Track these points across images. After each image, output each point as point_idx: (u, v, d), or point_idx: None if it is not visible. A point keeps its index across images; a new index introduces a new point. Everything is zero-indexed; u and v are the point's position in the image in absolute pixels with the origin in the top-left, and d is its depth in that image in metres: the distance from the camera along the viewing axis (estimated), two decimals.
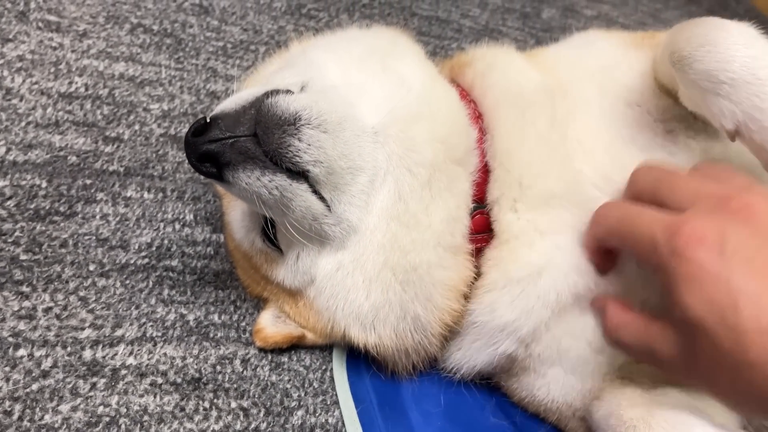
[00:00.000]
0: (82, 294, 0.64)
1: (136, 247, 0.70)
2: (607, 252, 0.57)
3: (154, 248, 0.71)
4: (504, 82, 0.66)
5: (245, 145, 0.52)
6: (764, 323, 0.40)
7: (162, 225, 0.73)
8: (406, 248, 0.58)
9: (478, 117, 0.65)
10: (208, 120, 0.52)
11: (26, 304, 0.61)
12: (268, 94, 0.54)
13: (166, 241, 0.72)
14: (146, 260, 0.69)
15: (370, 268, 0.59)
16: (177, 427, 0.58)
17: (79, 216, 0.70)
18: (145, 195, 0.75)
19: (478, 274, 0.61)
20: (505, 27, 1.44)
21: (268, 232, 0.62)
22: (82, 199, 0.71)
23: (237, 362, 0.65)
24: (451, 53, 1.26)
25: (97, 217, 0.70)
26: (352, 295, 0.60)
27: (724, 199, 0.47)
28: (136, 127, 0.81)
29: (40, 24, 0.87)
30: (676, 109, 0.61)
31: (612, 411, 0.57)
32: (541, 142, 0.62)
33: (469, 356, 0.64)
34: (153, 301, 0.66)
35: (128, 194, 0.74)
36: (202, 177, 0.64)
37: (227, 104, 0.54)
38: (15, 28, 0.85)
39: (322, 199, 0.56)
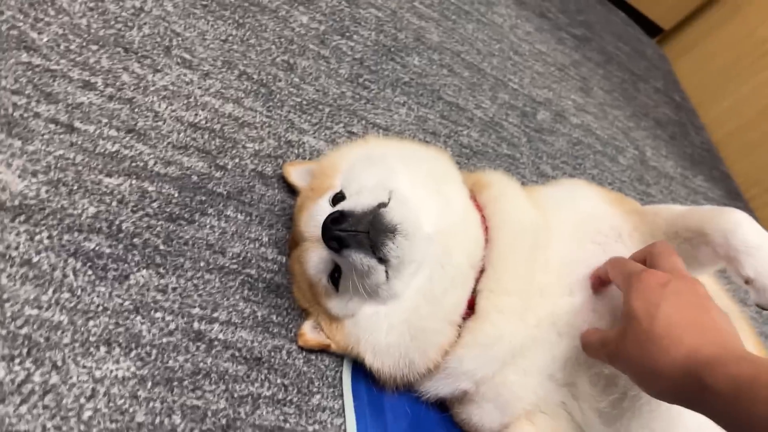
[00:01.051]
0: (195, 282, 0.94)
1: (230, 255, 1.00)
2: (602, 282, 0.90)
3: (240, 258, 1.01)
4: (508, 210, 0.99)
5: (362, 239, 0.83)
6: (670, 318, 0.71)
7: (247, 241, 1.04)
8: (423, 316, 0.90)
9: (486, 228, 0.98)
10: (342, 212, 0.83)
11: (162, 281, 0.91)
12: (379, 206, 0.85)
13: (248, 254, 1.02)
14: (235, 266, 1.00)
15: (395, 320, 0.92)
16: (244, 388, 0.89)
17: (196, 224, 0.99)
18: (239, 216, 1.05)
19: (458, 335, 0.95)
20: (507, 122, 1.78)
21: (335, 277, 0.94)
22: (198, 211, 1.01)
23: (284, 352, 0.97)
24: (462, 139, 1.59)
25: (207, 227, 1.00)
26: (376, 333, 0.93)
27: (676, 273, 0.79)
28: (237, 160, 1.11)
29: (178, 60, 1.16)
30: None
31: None
32: (520, 258, 0.95)
33: (437, 387, 0.97)
34: (237, 297, 0.97)
35: (228, 213, 1.04)
36: (276, 209, 0.96)
37: (354, 206, 0.85)
38: (162, 60, 1.13)
39: (386, 273, 0.88)
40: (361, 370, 0.99)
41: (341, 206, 0.87)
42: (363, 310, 0.94)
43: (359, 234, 0.84)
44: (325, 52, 1.44)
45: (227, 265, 0.99)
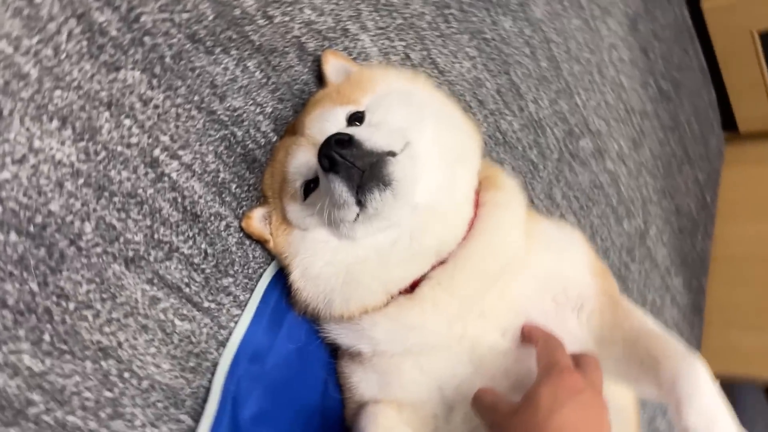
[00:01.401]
0: (179, 111, 0.88)
1: (227, 105, 0.94)
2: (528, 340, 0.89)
3: (235, 114, 0.95)
4: (500, 223, 0.94)
5: (353, 174, 0.78)
6: (567, 423, 0.70)
7: (251, 102, 0.97)
8: (366, 271, 0.87)
9: (471, 225, 0.94)
10: (351, 138, 0.78)
11: (149, 93, 0.85)
12: (388, 153, 0.80)
13: (245, 114, 0.97)
14: (225, 118, 0.94)
15: (339, 258, 0.88)
16: (167, 234, 0.86)
17: (213, 57, 0.92)
18: (257, 73, 0.98)
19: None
20: (551, 131, 1.71)
21: (309, 186, 0.89)
22: (222, 46, 0.94)
23: (223, 223, 0.93)
24: (502, 123, 1.52)
25: (221, 66, 0.93)
26: (315, 258, 0.90)
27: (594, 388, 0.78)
28: (286, 18, 1.03)
29: None
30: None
31: (371, 412, 0.91)
32: (483, 272, 0.92)
33: (339, 334, 0.94)
34: (210, 149, 0.92)
35: (248, 64, 0.97)
36: (295, 87, 0.90)
37: (366, 140, 0.80)
38: None
39: (357, 215, 0.83)
40: (281, 280, 0.96)
41: (354, 131, 0.82)
42: (316, 231, 0.90)
43: (354, 168, 0.79)
44: None
45: (219, 113, 0.93)
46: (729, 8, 2.59)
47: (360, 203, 0.82)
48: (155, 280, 0.83)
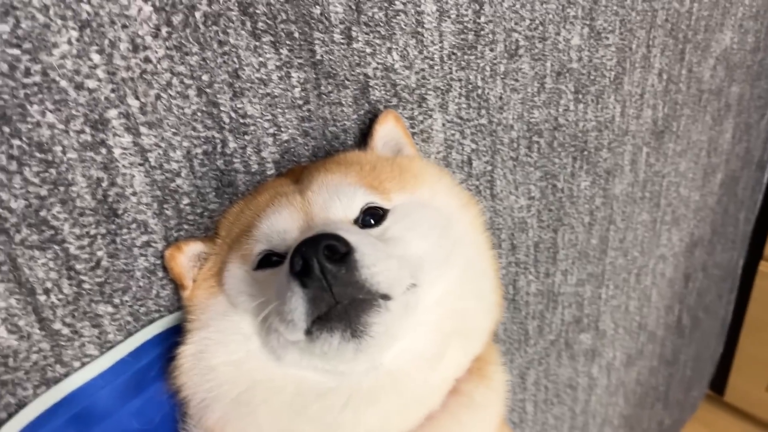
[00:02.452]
0: (174, 82, 0.64)
1: (237, 105, 0.70)
2: None
3: (242, 120, 0.71)
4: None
5: (324, 299, 0.55)
6: None
7: (269, 117, 0.74)
8: (270, 406, 0.65)
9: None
10: (343, 251, 0.54)
11: (148, 40, 0.61)
12: (382, 296, 0.56)
13: (252, 127, 0.73)
14: (227, 119, 0.70)
15: (249, 367, 0.66)
16: (64, 218, 0.61)
17: (255, 43, 0.69)
18: (296, 90, 0.75)
19: None
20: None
21: (268, 259, 0.65)
22: (275, 37, 0.70)
23: (143, 238, 0.68)
24: (520, 282, 1.29)
25: (260, 59, 0.70)
26: (222, 351, 0.67)
27: None
28: (369, 49, 0.80)
29: None
30: None
31: None
32: None
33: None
34: (185, 144, 0.67)
35: (293, 75, 0.74)
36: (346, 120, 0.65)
37: (371, 262, 0.57)
38: None
39: (304, 338, 0.59)
40: (170, 341, 0.71)
41: (358, 242, 0.58)
42: (242, 316, 0.66)
43: (328, 292, 0.55)
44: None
45: (223, 109, 0.69)
46: None
47: (309, 333, 0.58)
48: (4, 267, 0.58)
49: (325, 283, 0.55)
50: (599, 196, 1.43)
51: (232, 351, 0.66)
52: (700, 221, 1.99)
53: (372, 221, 0.68)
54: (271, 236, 0.66)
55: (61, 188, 0.60)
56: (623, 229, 1.60)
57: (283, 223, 0.66)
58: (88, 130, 0.60)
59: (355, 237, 0.58)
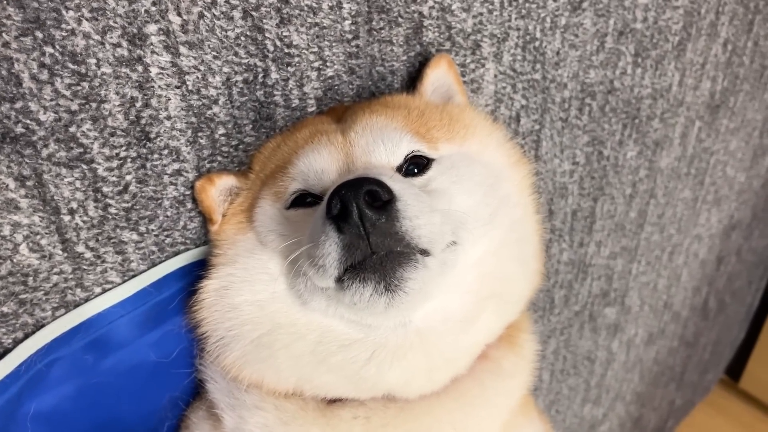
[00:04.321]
0: (219, 1, 0.59)
1: (283, 34, 0.65)
2: None
3: (286, 49, 0.67)
4: (488, 401, 0.69)
5: (360, 247, 0.51)
6: None
7: (315, 49, 0.69)
8: (291, 350, 0.62)
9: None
10: (385, 199, 0.50)
11: None
12: (421, 251, 0.52)
13: (297, 58, 0.68)
14: (271, 47, 0.65)
15: (273, 309, 0.63)
16: (94, 135, 0.57)
17: None
18: (347, 23, 0.70)
19: None
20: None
21: (303, 199, 0.61)
22: None
23: (175, 165, 0.64)
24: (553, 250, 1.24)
25: None
26: (247, 288, 0.64)
27: None
28: None
29: None
30: None
31: None
32: None
33: (217, 387, 0.68)
34: (225, 69, 0.63)
35: (344, 6, 0.69)
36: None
37: (413, 213, 0.53)
38: None
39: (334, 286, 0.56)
40: (194, 275, 0.68)
41: (402, 190, 0.54)
42: (271, 255, 0.63)
43: (365, 241, 0.51)
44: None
45: (268, 35, 0.64)
46: None
47: (340, 281, 0.55)
48: (29, 182, 0.55)
49: (363, 231, 0.51)
50: (644, 167, 1.37)
51: (257, 291, 0.63)
52: (742, 204, 1.92)
53: (416, 170, 0.64)
54: (307, 175, 0.63)
55: (93, 104, 0.56)
56: (663, 204, 1.54)
57: (321, 162, 0.62)
58: (125, 44, 0.55)
59: (398, 185, 0.54)
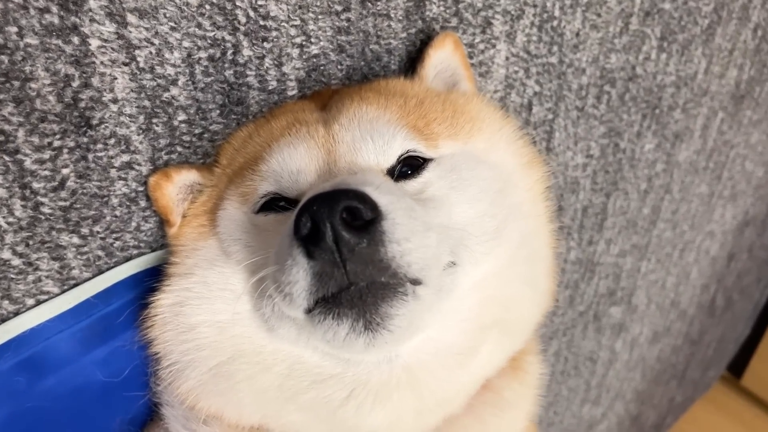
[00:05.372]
0: None
1: (257, 3, 0.55)
2: None
3: (261, 22, 0.56)
4: None
5: (334, 277, 0.41)
6: None
7: (297, 22, 0.58)
8: (255, 383, 0.53)
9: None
10: (368, 218, 0.40)
11: None
12: (412, 281, 0.42)
13: (275, 33, 0.57)
14: (243, 19, 0.55)
15: (235, 333, 0.54)
16: (18, 122, 0.47)
17: None
18: None
19: None
20: None
21: (273, 203, 0.51)
22: None
23: (124, 157, 0.54)
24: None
25: None
26: (205, 307, 0.54)
27: None
28: None
29: None
30: None
31: None
32: None
33: (172, 414, 0.58)
34: (185, 44, 0.52)
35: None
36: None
37: (403, 234, 0.42)
38: None
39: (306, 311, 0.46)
40: (146, 285, 0.58)
41: (389, 205, 0.44)
42: (233, 269, 0.53)
43: (341, 269, 0.41)
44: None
45: (238, 4, 0.53)
46: None
47: (309, 312, 0.45)
48: None
49: (338, 258, 0.41)
50: (662, 161, 1.26)
51: (217, 310, 0.53)
52: (758, 199, 1.82)
53: (410, 172, 0.53)
54: (280, 175, 0.52)
55: (15, 83, 0.45)
56: (678, 200, 1.44)
57: (298, 160, 0.52)
58: (54, 9, 0.45)
59: (386, 198, 0.44)
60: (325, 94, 0.61)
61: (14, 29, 0.44)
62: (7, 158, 0.47)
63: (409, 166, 0.53)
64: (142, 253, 0.59)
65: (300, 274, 0.43)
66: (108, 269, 0.57)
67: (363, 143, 0.52)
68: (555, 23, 0.82)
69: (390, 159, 0.52)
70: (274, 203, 0.53)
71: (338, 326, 0.44)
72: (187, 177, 0.56)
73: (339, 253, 0.41)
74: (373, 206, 0.42)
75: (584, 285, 1.32)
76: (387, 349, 0.47)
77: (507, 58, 0.79)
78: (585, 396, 1.68)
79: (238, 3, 0.53)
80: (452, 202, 0.52)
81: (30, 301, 0.54)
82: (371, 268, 0.42)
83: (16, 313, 0.54)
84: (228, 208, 0.54)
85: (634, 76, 1.02)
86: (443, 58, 0.64)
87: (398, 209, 0.44)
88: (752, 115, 1.45)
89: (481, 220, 0.53)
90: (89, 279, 0.57)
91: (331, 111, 0.57)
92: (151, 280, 0.58)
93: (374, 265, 0.42)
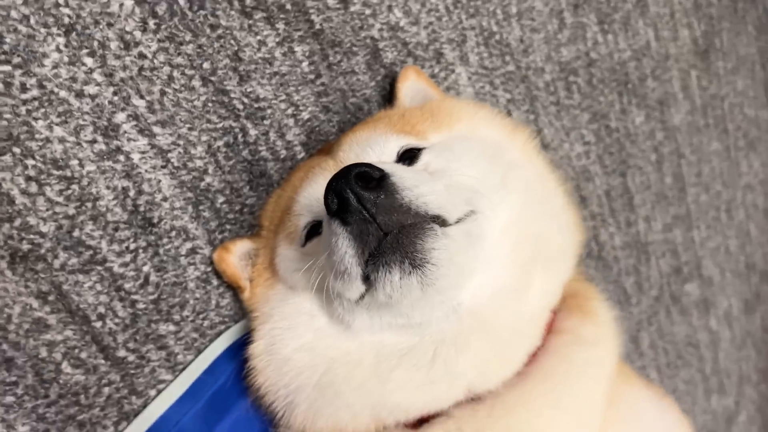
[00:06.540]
0: (175, 74, 0.62)
1: (247, 90, 0.67)
2: None
3: (256, 104, 0.68)
4: (579, 370, 0.63)
5: (370, 231, 0.49)
6: None
7: (283, 97, 0.70)
8: (353, 382, 0.58)
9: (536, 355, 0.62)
10: (377, 176, 0.49)
11: (137, 35, 0.59)
12: (433, 218, 0.50)
13: (269, 110, 0.69)
14: (240, 106, 0.67)
15: (322, 346, 0.60)
16: (99, 235, 0.58)
17: (248, 22, 0.67)
18: (304, 65, 0.72)
19: None
20: (655, 262, 1.37)
21: (315, 229, 0.60)
22: (267, 12, 0.68)
23: (187, 245, 0.64)
24: (602, 234, 1.20)
25: (257, 37, 0.67)
26: (291, 336, 0.61)
27: None
28: (368, 11, 0.77)
29: None
30: None
31: None
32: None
33: None
34: (204, 138, 0.64)
35: (296, 50, 0.71)
36: (353, 99, 0.61)
37: (411, 183, 0.51)
38: None
39: (362, 295, 0.53)
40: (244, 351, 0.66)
41: (393, 169, 0.53)
42: (302, 296, 0.61)
43: (372, 223, 0.50)
44: (573, 21, 1.06)
45: (233, 96, 0.66)
46: None
47: (367, 280, 0.52)
48: (50, 297, 0.55)
49: (367, 213, 0.49)
50: (659, 129, 1.33)
51: (301, 334, 0.60)
52: None
53: (409, 162, 0.63)
54: (311, 205, 0.62)
55: (89, 204, 0.57)
56: (695, 162, 1.49)
57: (319, 189, 0.62)
58: (100, 138, 0.57)
59: (389, 165, 0.53)
60: (327, 147, 0.72)
61: (75, 162, 0.56)
62: (99, 268, 0.58)
63: (409, 160, 0.63)
64: (229, 327, 0.68)
65: (345, 242, 0.51)
66: (205, 348, 0.66)
67: (365, 155, 0.62)
68: (498, 37, 0.94)
69: (390, 156, 0.62)
70: (316, 230, 0.62)
71: (390, 273, 0.51)
72: (242, 246, 0.66)
73: (366, 210, 0.49)
74: (378, 169, 0.51)
75: (645, 268, 1.34)
76: (443, 290, 0.54)
77: (469, 78, 0.91)
78: (706, 386, 1.63)
79: (232, 95, 0.65)
80: (453, 169, 0.60)
81: (152, 392, 0.62)
82: (396, 214, 0.50)
83: (145, 405, 0.62)
84: (281, 253, 0.64)
85: (592, 62, 1.13)
86: (410, 85, 0.76)
87: (401, 169, 0.53)
88: (725, 64, 1.53)
89: (485, 176, 0.61)
90: (193, 360, 0.65)
91: (333, 149, 0.67)
92: (244, 349, 0.66)
93: (397, 210, 0.50)
